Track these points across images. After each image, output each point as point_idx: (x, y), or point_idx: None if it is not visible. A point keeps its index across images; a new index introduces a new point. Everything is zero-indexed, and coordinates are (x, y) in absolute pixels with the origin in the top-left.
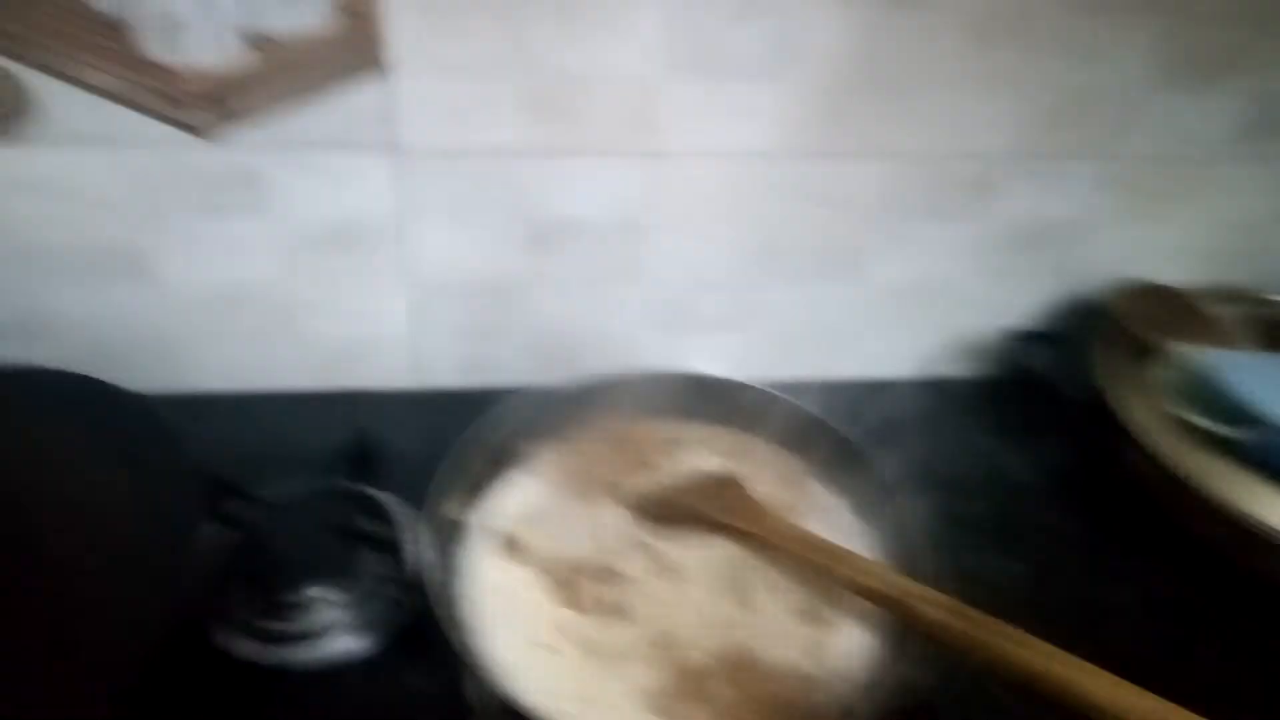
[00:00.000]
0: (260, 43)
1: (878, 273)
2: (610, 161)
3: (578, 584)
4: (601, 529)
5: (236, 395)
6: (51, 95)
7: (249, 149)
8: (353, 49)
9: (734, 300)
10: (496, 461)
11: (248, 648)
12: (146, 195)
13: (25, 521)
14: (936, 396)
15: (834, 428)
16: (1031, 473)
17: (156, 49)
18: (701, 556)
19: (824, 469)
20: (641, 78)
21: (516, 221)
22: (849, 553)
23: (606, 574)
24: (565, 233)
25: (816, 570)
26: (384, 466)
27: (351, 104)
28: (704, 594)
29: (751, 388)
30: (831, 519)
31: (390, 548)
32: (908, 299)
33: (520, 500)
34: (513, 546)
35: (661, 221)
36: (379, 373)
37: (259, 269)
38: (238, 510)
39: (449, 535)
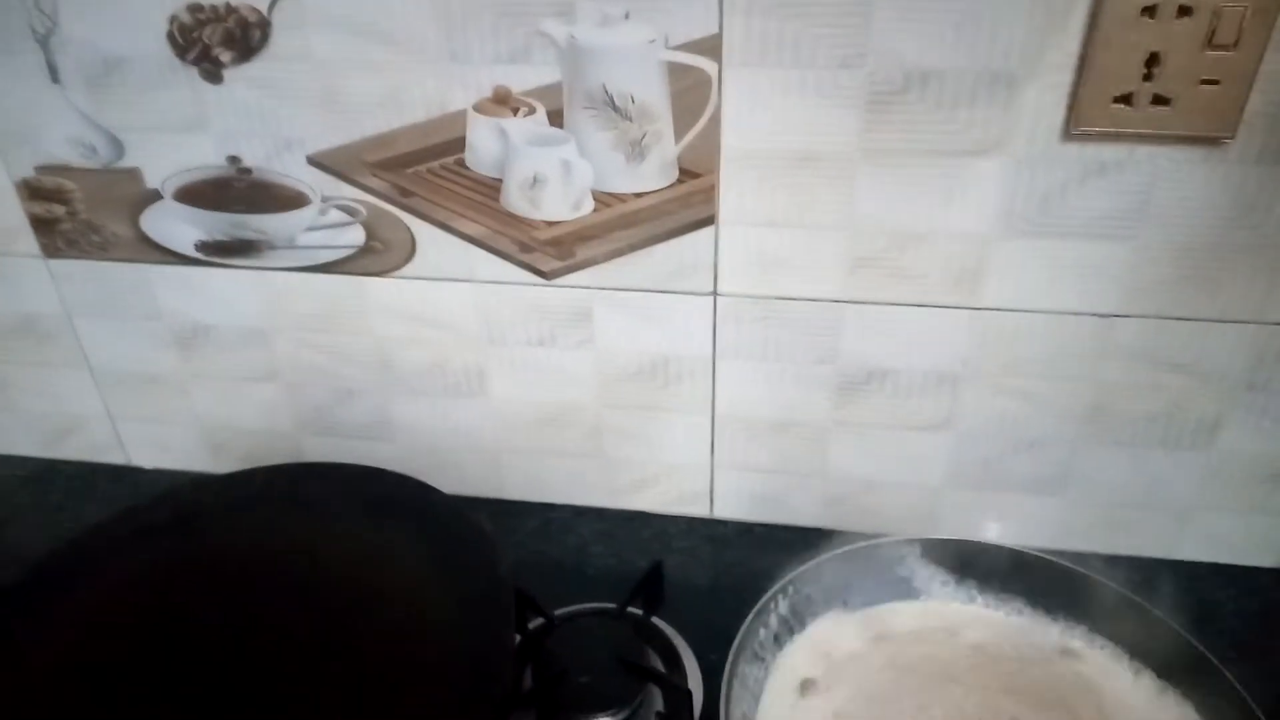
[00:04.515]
0: (608, 200)
1: (1238, 448)
2: (929, 313)
3: None
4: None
5: (543, 506)
6: (430, 240)
7: (583, 290)
8: (689, 206)
9: (1054, 462)
10: (789, 624)
11: None
12: (492, 325)
13: (353, 610)
14: None
15: (1166, 622)
16: None
17: (518, 204)
18: None
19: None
20: (973, 235)
21: (823, 366)
22: None
23: None
24: (872, 380)
25: None
26: (670, 592)
27: (678, 253)
28: None
29: (1067, 569)
30: None
31: (673, 689)
32: (1276, 480)
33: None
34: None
35: (979, 375)
36: (675, 499)
37: (578, 395)
38: (535, 626)
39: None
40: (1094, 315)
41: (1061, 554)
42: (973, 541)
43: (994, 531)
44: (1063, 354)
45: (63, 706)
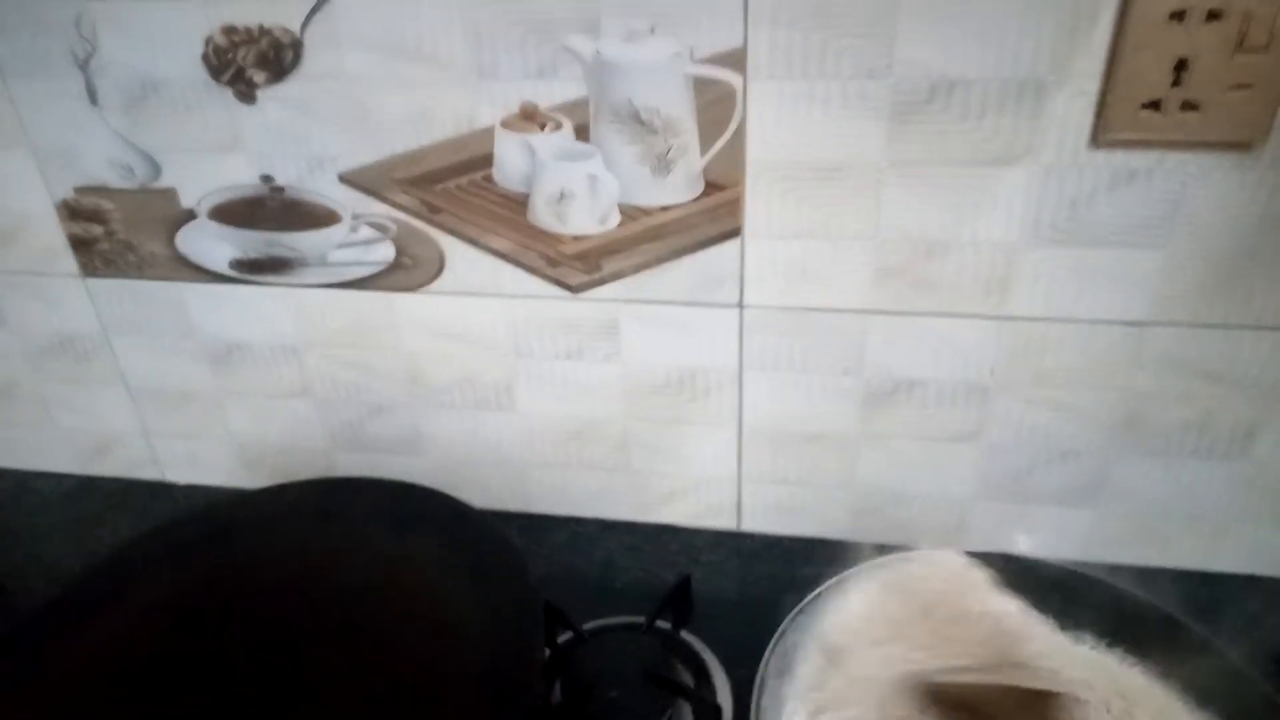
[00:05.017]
0: (634, 214)
1: (1274, 457)
2: (956, 323)
3: None
4: None
5: (570, 519)
6: (458, 255)
7: (610, 303)
8: (715, 219)
9: (1087, 473)
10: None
11: None
12: (520, 339)
13: (384, 624)
14: None
15: (1204, 637)
16: None
17: (546, 219)
18: None
19: (1191, 688)
20: (1001, 244)
21: (850, 377)
22: None
23: None
24: (899, 391)
25: None
26: (698, 606)
27: (705, 265)
28: None
29: (1098, 582)
30: None
31: (703, 703)
32: None
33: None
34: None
35: (1008, 385)
36: (703, 512)
37: (605, 408)
38: (564, 640)
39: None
40: (1125, 324)
41: (1094, 566)
42: (1005, 554)
43: (1025, 544)
44: (1093, 363)
45: None
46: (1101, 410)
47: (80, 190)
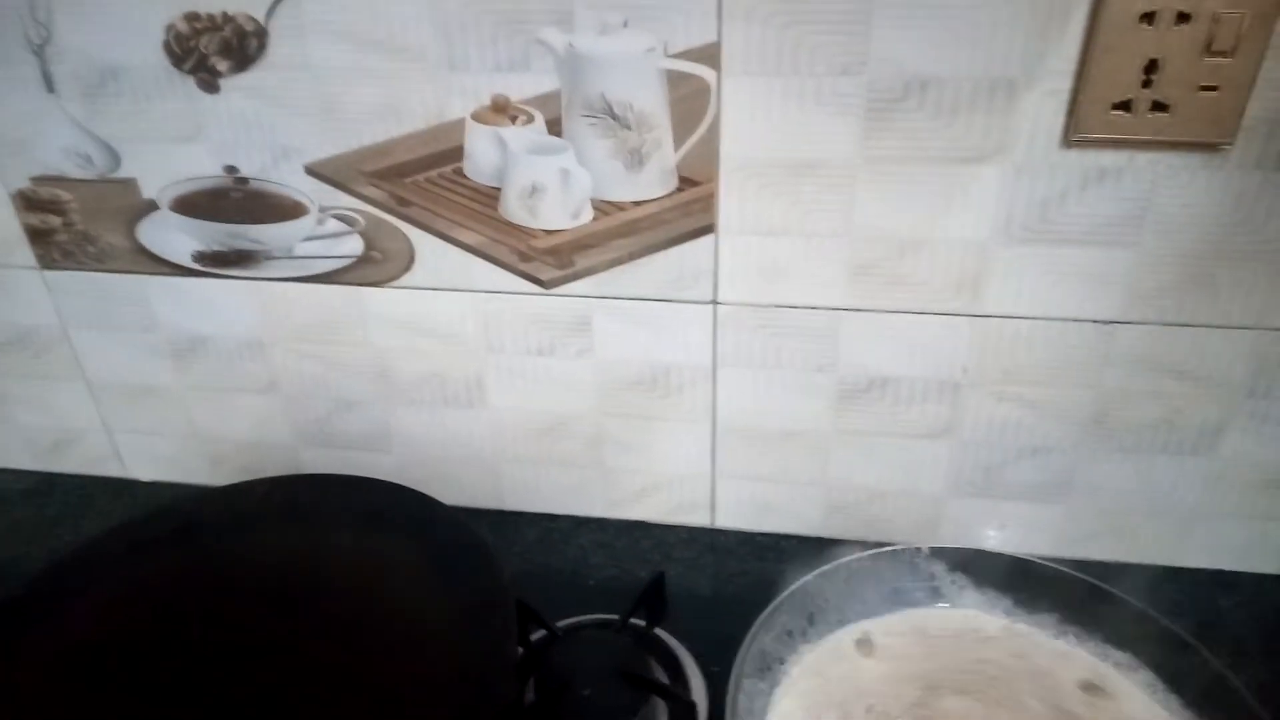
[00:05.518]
0: (607, 209)
1: (1241, 454)
2: (929, 320)
3: None
4: None
5: (543, 516)
6: (428, 249)
7: (583, 299)
8: (689, 214)
9: (1057, 469)
10: (793, 635)
11: None
12: (491, 334)
13: (353, 623)
14: None
15: (1170, 627)
16: None
17: (517, 213)
18: None
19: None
20: (973, 243)
21: (824, 374)
22: None
23: None
24: (872, 388)
25: None
26: (672, 603)
27: (679, 261)
28: None
29: (1076, 578)
30: None
31: (677, 701)
32: (1278, 486)
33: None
34: None
35: (980, 382)
36: (676, 509)
37: (578, 404)
38: (537, 638)
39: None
40: (1095, 322)
41: (1064, 561)
42: (977, 550)
43: (996, 539)
44: (1064, 361)
45: None
46: (1072, 407)
47: (37, 180)
